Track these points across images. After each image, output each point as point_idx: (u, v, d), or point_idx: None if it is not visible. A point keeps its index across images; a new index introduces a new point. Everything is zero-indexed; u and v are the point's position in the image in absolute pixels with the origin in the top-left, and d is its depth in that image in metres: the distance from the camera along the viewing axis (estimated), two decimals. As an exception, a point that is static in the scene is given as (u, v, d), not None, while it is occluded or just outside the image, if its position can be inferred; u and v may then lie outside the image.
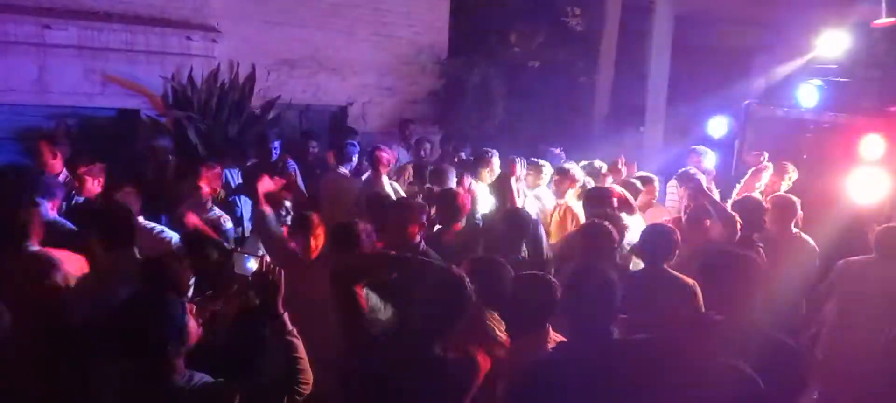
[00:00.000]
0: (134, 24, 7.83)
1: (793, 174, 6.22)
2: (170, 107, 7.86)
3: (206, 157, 6.67)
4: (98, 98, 7.82)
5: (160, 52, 8.01)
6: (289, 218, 4.58)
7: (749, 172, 6.03)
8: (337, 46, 9.21)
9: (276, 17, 8.74)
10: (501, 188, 5.18)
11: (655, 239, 3.93)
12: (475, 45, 9.95)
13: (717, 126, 8.13)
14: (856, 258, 4.69)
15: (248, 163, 6.93)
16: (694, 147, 7.24)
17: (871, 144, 6.19)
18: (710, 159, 7.08)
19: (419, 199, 4.92)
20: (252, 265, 2.56)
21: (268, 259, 2.58)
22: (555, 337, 3.00)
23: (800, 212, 5.01)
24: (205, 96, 7.86)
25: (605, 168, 6.42)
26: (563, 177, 5.69)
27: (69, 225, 4.31)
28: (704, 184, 5.19)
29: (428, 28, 9.78)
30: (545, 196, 5.93)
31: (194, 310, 2.47)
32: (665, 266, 3.84)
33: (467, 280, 2.63)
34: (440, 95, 9.86)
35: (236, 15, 8.40)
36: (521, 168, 6.10)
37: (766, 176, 6.01)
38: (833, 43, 7.75)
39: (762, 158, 6.21)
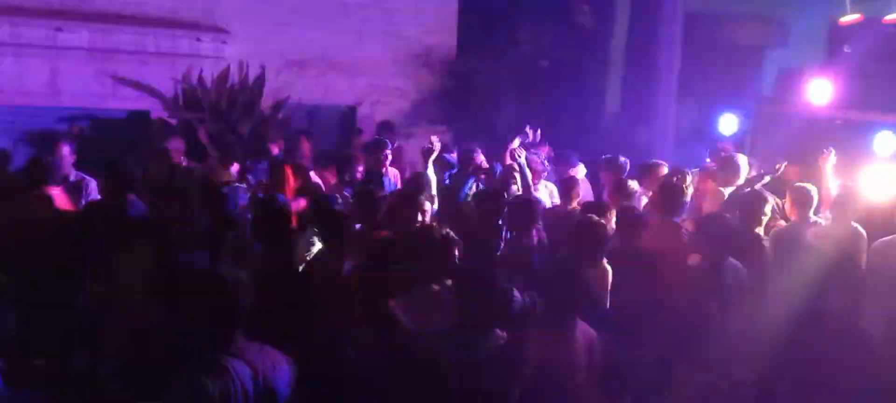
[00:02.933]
0: (144, 26, 7.89)
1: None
2: (180, 109, 7.90)
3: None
4: (109, 100, 7.89)
5: (170, 53, 8.06)
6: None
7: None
8: (346, 46, 9.21)
9: (286, 18, 8.76)
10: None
11: None
12: (484, 44, 9.93)
13: (728, 123, 8.06)
14: (885, 239, 4.50)
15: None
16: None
17: (884, 140, 6.13)
18: None
19: None
20: None
21: None
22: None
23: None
24: (215, 97, 7.90)
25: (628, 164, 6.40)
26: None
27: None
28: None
29: (437, 27, 9.76)
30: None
31: None
32: None
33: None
34: (449, 94, 9.85)
35: (246, 16, 8.43)
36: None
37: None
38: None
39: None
